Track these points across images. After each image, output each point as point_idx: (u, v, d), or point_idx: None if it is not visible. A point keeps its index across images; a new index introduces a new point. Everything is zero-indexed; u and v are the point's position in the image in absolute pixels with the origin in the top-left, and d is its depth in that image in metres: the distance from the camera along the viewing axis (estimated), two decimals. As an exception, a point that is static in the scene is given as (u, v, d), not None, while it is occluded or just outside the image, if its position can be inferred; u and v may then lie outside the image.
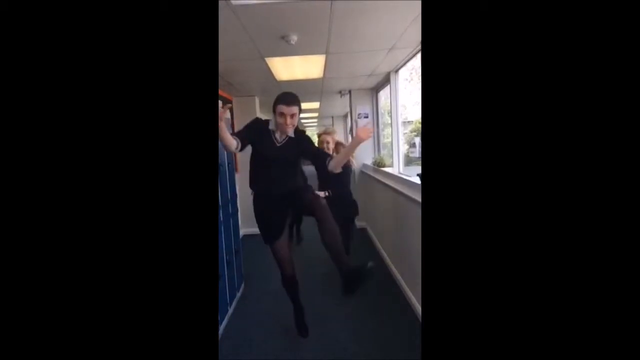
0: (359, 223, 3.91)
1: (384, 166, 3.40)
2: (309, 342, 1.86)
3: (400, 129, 3.12)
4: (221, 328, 2.01)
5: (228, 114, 2.79)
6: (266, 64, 2.56)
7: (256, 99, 4.02)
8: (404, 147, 3.09)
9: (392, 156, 3.24)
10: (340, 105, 5.07)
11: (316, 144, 2.04)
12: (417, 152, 3.09)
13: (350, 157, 2.13)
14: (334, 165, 1.62)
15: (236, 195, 2.55)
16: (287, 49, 2.16)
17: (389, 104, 3.36)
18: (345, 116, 6.52)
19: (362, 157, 4.01)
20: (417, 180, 2.10)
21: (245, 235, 3.60)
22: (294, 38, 1.97)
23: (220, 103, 2.22)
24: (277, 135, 1.69)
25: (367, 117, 3.98)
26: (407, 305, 2.19)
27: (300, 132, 1.74)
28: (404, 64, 2.83)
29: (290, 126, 1.62)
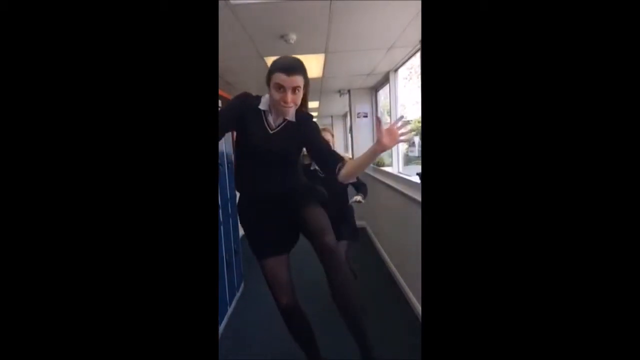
0: (358, 222, 3.90)
1: (383, 165, 3.40)
2: (309, 342, 1.85)
3: (400, 128, 3.11)
4: (221, 328, 2.01)
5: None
6: (265, 64, 2.55)
7: (255, 99, 4.00)
8: (403, 146, 3.09)
9: (391, 155, 3.24)
10: (339, 104, 5.07)
11: None
12: (416, 151, 3.09)
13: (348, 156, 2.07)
14: (346, 176, 1.16)
15: (236, 195, 2.54)
16: (286, 48, 2.16)
17: (388, 103, 3.36)
18: (345, 115, 6.51)
19: (361, 156, 4.00)
20: (417, 180, 2.10)
21: (245, 236, 3.59)
22: (293, 37, 1.97)
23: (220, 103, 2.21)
24: (272, 117, 1.19)
25: (366, 116, 3.98)
26: (407, 305, 2.19)
27: (304, 116, 1.23)
28: (403, 63, 2.83)
29: (291, 105, 1.11)
